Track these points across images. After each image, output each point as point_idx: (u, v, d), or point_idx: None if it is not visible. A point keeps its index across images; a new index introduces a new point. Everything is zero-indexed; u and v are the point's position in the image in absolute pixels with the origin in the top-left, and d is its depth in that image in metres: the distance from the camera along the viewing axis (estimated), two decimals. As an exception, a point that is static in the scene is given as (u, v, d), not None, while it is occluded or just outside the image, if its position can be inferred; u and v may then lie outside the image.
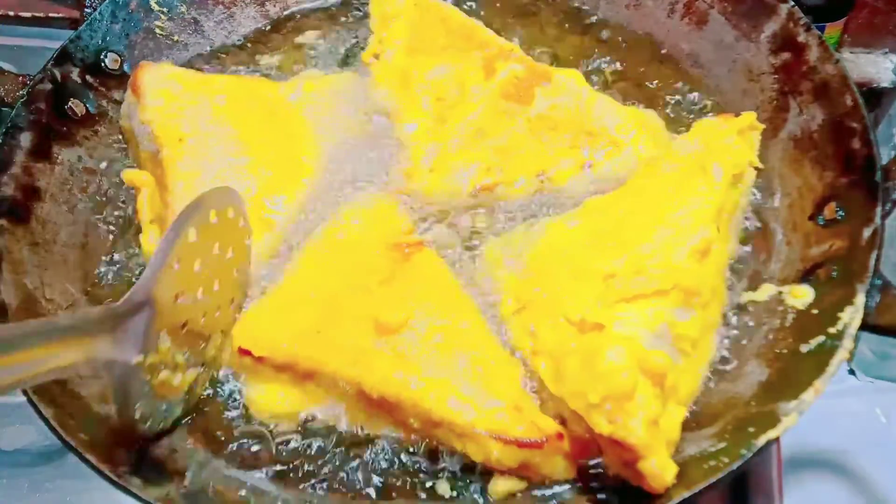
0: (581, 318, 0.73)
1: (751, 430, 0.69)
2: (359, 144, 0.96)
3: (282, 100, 0.98)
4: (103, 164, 0.97)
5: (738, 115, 0.89)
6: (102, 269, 0.91)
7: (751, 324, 0.82)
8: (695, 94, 1.03)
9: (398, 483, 0.76)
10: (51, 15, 1.12)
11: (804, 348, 0.75)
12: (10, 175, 0.88)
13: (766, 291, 0.83)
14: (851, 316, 0.73)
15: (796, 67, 0.93)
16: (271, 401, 0.80)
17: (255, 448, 0.79)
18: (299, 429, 0.80)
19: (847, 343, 0.72)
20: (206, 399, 0.82)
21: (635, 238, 0.79)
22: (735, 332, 0.82)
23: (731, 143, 0.85)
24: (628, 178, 0.89)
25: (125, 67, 1.02)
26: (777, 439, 0.68)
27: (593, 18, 1.11)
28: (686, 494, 0.66)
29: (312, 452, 0.78)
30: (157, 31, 1.07)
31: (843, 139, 0.85)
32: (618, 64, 1.07)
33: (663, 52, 1.07)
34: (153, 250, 0.76)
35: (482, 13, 1.12)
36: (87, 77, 0.98)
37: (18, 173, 0.89)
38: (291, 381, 0.79)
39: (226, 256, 0.81)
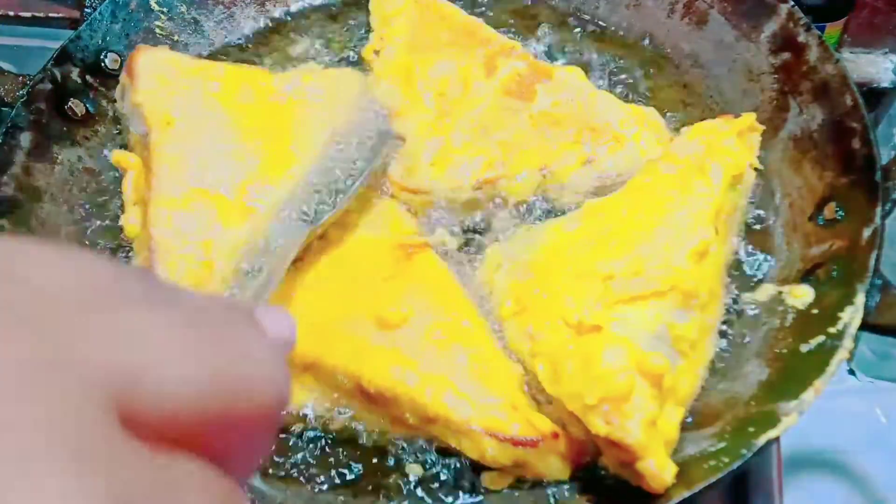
0: (579, 319, 0.73)
1: (751, 430, 0.69)
2: (356, 138, 0.96)
3: (277, 90, 0.97)
4: (103, 165, 0.98)
5: (737, 116, 0.89)
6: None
7: (751, 324, 0.82)
8: (695, 95, 1.03)
9: (397, 481, 0.76)
10: (51, 15, 1.12)
11: (804, 348, 0.75)
12: (10, 175, 0.88)
13: (765, 291, 0.83)
14: (851, 316, 0.73)
15: (796, 67, 0.93)
16: None
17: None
18: (298, 426, 0.80)
19: (847, 343, 0.72)
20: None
21: (634, 240, 0.79)
22: (735, 332, 0.82)
23: (730, 145, 0.85)
24: (631, 173, 0.89)
25: (125, 67, 1.02)
26: (777, 439, 0.67)
27: (593, 18, 1.11)
28: (686, 494, 0.66)
29: (311, 450, 0.78)
30: (157, 31, 1.07)
31: (843, 139, 0.85)
32: (617, 64, 1.07)
33: (663, 52, 1.07)
34: (133, 232, 0.82)
35: (480, 14, 1.12)
36: (87, 77, 0.98)
37: (18, 173, 0.89)
38: (291, 374, 0.79)
39: None
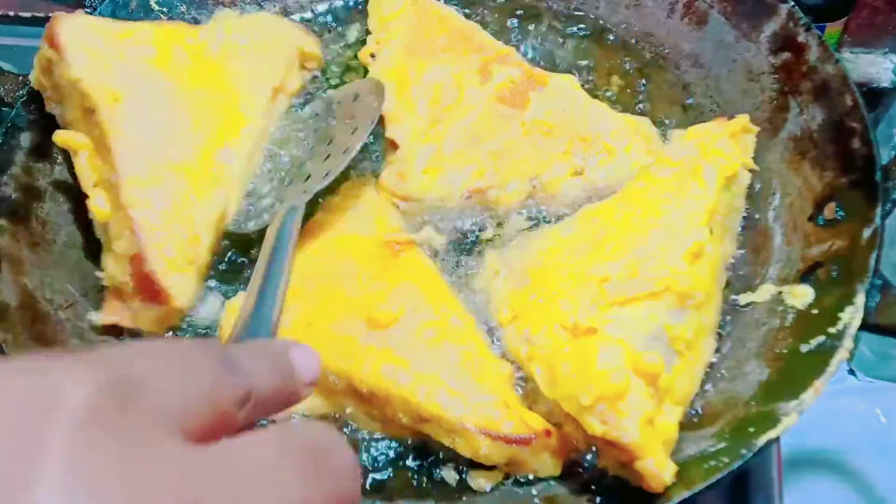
0: (574, 322, 0.73)
1: (751, 430, 0.69)
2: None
3: (206, 46, 0.97)
4: (103, 164, 0.97)
5: (731, 117, 0.89)
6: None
7: (751, 324, 0.82)
8: (695, 95, 1.03)
9: (394, 479, 0.76)
10: (51, 15, 1.12)
11: (804, 348, 0.75)
12: (10, 175, 0.88)
13: (765, 291, 0.83)
14: (851, 316, 0.73)
15: (796, 67, 0.93)
16: None
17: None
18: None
19: (847, 343, 0.72)
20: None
21: (629, 242, 0.79)
22: (735, 332, 0.82)
23: (723, 146, 0.85)
24: (621, 185, 0.89)
25: (125, 67, 1.02)
26: (777, 439, 0.67)
27: (592, 19, 1.11)
28: (686, 494, 0.66)
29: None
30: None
31: (843, 139, 0.85)
32: (617, 64, 1.07)
33: (663, 52, 1.07)
34: (104, 215, 0.84)
35: (480, 15, 1.12)
36: (88, 77, 0.98)
37: (18, 173, 0.89)
38: None
39: None
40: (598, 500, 0.72)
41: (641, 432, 0.65)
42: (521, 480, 0.75)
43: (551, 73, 0.99)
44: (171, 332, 0.85)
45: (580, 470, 0.74)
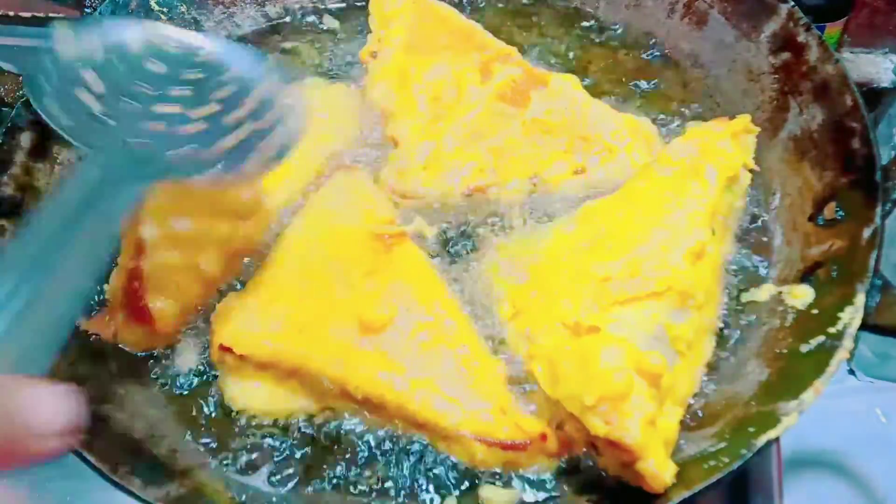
0: (576, 321, 0.73)
1: (751, 430, 0.69)
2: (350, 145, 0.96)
3: None
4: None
5: (732, 117, 0.89)
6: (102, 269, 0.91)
7: (751, 324, 0.82)
8: (695, 94, 1.03)
9: (394, 481, 0.76)
10: (51, 15, 1.12)
11: (804, 348, 0.75)
12: (10, 175, 0.88)
13: (765, 291, 0.84)
14: (851, 316, 0.73)
15: (796, 67, 0.93)
16: (254, 398, 0.80)
17: (253, 449, 0.79)
18: (293, 429, 0.80)
19: (847, 343, 0.72)
20: (205, 400, 0.82)
21: (630, 241, 0.79)
22: (735, 332, 0.82)
23: (724, 146, 0.85)
24: (621, 184, 0.89)
25: (125, 67, 1.02)
26: (777, 439, 0.67)
27: (593, 19, 1.11)
28: (686, 494, 0.66)
29: (311, 454, 0.78)
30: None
31: (843, 139, 0.85)
32: (618, 64, 1.07)
33: (663, 52, 1.07)
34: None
35: (480, 14, 1.12)
36: (87, 77, 0.98)
37: (18, 173, 0.89)
38: (275, 378, 0.79)
39: None
40: (597, 499, 0.72)
41: (643, 433, 0.65)
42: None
43: (553, 73, 0.99)
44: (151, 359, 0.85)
45: (581, 470, 0.74)
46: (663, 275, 0.75)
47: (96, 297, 0.86)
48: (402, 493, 0.75)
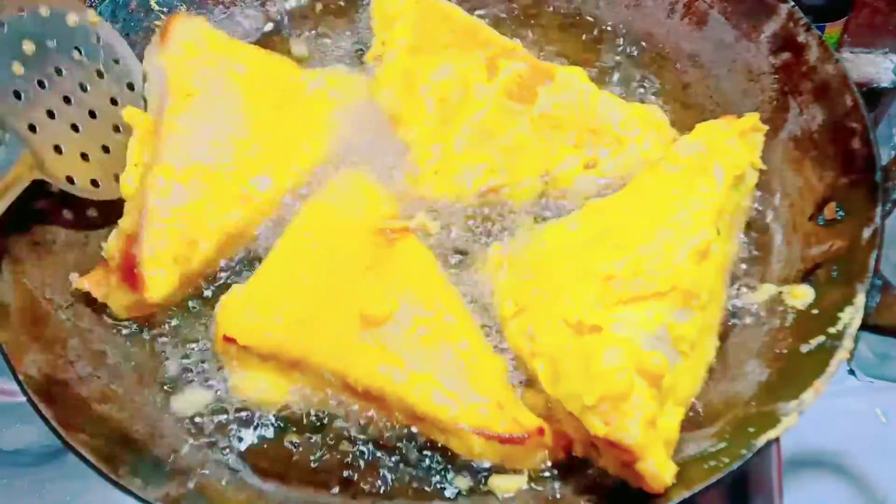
0: (579, 320, 0.73)
1: (751, 430, 0.69)
2: (361, 147, 0.96)
3: (302, 86, 0.98)
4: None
5: (739, 116, 0.89)
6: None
7: (751, 324, 0.82)
8: (695, 95, 1.03)
9: (396, 479, 0.76)
10: (51, 15, 1.11)
11: (804, 348, 0.75)
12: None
13: (766, 291, 0.83)
14: (851, 316, 0.73)
15: (796, 67, 0.93)
16: (256, 388, 0.80)
17: (254, 448, 0.79)
18: (298, 428, 0.80)
19: (847, 343, 0.72)
20: (205, 400, 0.82)
21: (635, 240, 0.79)
22: (735, 332, 0.82)
23: (732, 145, 0.85)
24: (633, 175, 0.89)
25: (125, 67, 1.02)
26: (777, 439, 0.67)
27: (593, 19, 1.11)
28: (686, 494, 0.66)
29: (312, 452, 0.78)
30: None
31: (843, 139, 0.85)
32: (618, 64, 1.07)
33: (663, 52, 1.07)
34: (128, 192, 0.87)
35: (481, 16, 1.12)
36: (87, 77, 0.98)
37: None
38: (277, 369, 0.80)
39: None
40: (597, 499, 0.72)
41: (643, 434, 0.65)
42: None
43: (559, 66, 0.99)
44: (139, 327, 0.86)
45: (581, 469, 0.74)
46: (667, 274, 0.75)
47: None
48: (406, 490, 0.75)
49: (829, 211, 0.83)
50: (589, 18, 1.11)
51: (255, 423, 0.80)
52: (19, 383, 0.73)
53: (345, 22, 1.14)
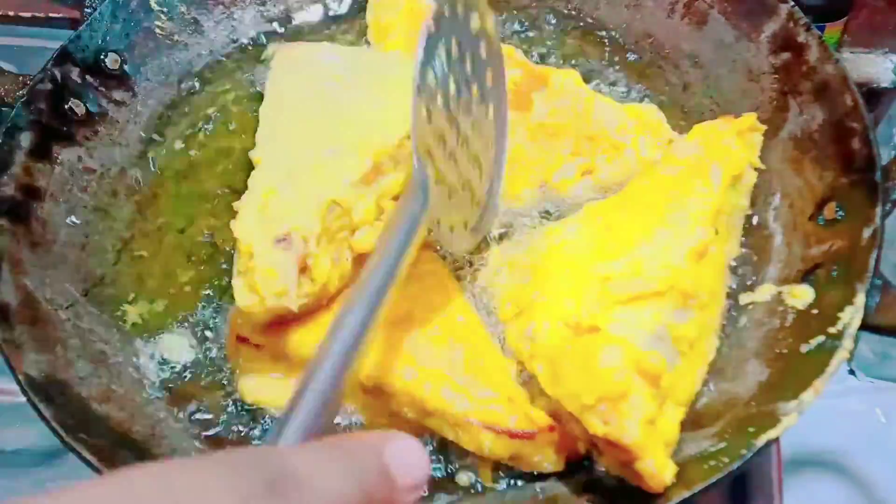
0: (577, 320, 0.73)
1: (751, 430, 0.69)
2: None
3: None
4: (103, 164, 0.98)
5: (737, 116, 0.89)
6: (102, 270, 0.91)
7: (751, 324, 0.82)
8: (695, 95, 1.03)
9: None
10: (51, 15, 1.12)
11: (804, 348, 0.75)
12: (10, 175, 0.88)
13: (765, 291, 0.83)
14: (851, 316, 0.73)
15: (796, 67, 0.93)
16: (266, 389, 0.80)
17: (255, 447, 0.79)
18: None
19: (847, 343, 0.72)
20: (205, 400, 0.82)
21: (633, 241, 0.79)
22: (735, 332, 0.82)
23: (730, 145, 0.85)
24: (630, 179, 0.89)
25: (125, 67, 1.02)
26: (777, 439, 0.67)
27: (592, 19, 1.11)
28: (686, 494, 0.66)
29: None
30: (157, 31, 1.06)
31: (843, 139, 0.85)
32: (617, 64, 1.07)
33: (663, 52, 1.07)
34: None
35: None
36: (88, 77, 0.98)
37: (18, 173, 0.89)
38: (287, 369, 0.80)
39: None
40: (598, 499, 0.72)
41: (642, 433, 0.65)
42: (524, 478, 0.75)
43: (553, 70, 0.99)
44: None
45: (581, 469, 0.74)
46: (665, 274, 0.75)
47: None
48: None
49: (829, 211, 0.83)
50: (588, 19, 1.12)
51: (257, 423, 0.80)
52: (19, 383, 0.73)
53: (347, 24, 1.14)
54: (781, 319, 0.80)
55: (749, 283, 0.86)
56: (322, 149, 0.83)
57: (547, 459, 0.74)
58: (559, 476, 0.75)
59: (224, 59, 1.10)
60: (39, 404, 0.72)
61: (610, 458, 0.71)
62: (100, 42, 1.00)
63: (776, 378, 0.75)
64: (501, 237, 0.90)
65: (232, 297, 0.78)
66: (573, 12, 1.12)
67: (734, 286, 0.86)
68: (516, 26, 1.11)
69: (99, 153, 0.98)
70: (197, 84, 1.08)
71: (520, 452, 0.73)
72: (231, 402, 0.82)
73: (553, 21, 1.12)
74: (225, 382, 0.83)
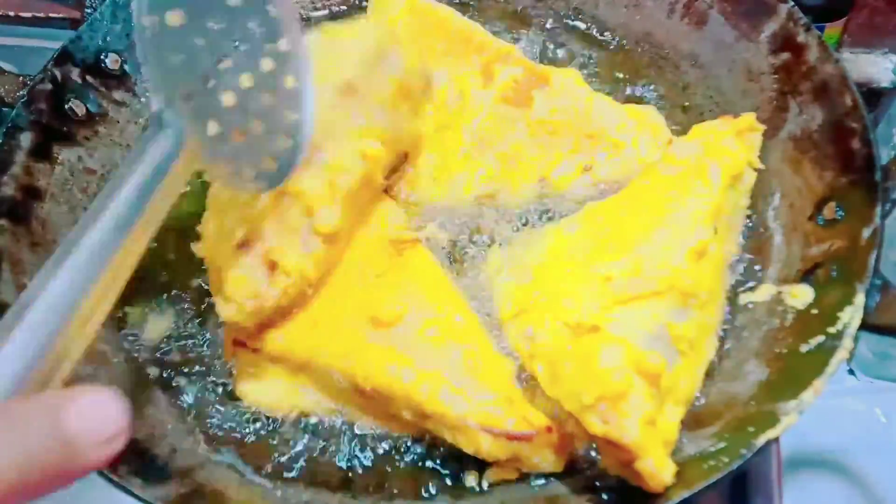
0: (577, 320, 0.73)
1: (751, 429, 0.69)
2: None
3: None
4: (103, 165, 0.98)
5: (736, 116, 0.89)
6: (102, 269, 0.91)
7: (750, 324, 0.82)
8: (695, 95, 1.03)
9: (398, 479, 0.76)
10: (51, 15, 1.12)
11: (804, 348, 0.75)
12: (10, 175, 0.88)
13: (765, 291, 0.84)
14: (851, 316, 0.73)
15: (796, 67, 0.93)
16: (264, 392, 0.81)
17: (256, 447, 0.79)
18: (299, 427, 0.80)
19: (847, 343, 0.72)
20: (206, 399, 0.82)
21: (633, 241, 0.79)
22: (735, 332, 0.82)
23: (729, 145, 0.85)
24: (629, 179, 0.89)
25: (125, 67, 1.02)
26: (777, 439, 0.68)
27: (592, 19, 1.11)
28: (685, 494, 0.66)
29: (313, 451, 0.79)
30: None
31: (843, 139, 0.85)
32: (617, 64, 1.07)
33: (663, 52, 1.07)
34: None
35: (480, 15, 1.12)
36: (88, 77, 0.98)
37: (18, 173, 0.89)
38: (285, 372, 0.80)
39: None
40: (598, 499, 0.72)
41: (642, 432, 0.66)
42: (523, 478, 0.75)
43: (554, 69, 0.99)
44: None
45: (581, 469, 0.75)
46: (665, 274, 0.75)
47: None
48: (408, 494, 0.75)
49: (829, 211, 0.83)
50: (588, 19, 1.12)
51: (256, 424, 0.81)
52: (19, 383, 0.73)
53: (347, 24, 1.14)
54: (781, 319, 0.80)
55: (749, 283, 0.86)
56: None
57: (545, 460, 0.74)
58: (559, 476, 0.75)
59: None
60: (39, 404, 0.72)
61: (610, 458, 0.71)
62: (100, 42, 1.00)
63: (776, 378, 0.75)
64: (502, 237, 0.90)
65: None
66: (572, 12, 1.12)
67: (734, 286, 0.86)
68: (515, 26, 1.11)
69: (99, 153, 0.98)
70: (197, 84, 1.07)
71: (518, 454, 0.73)
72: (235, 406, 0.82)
73: (552, 21, 1.12)
74: (227, 383, 0.83)
